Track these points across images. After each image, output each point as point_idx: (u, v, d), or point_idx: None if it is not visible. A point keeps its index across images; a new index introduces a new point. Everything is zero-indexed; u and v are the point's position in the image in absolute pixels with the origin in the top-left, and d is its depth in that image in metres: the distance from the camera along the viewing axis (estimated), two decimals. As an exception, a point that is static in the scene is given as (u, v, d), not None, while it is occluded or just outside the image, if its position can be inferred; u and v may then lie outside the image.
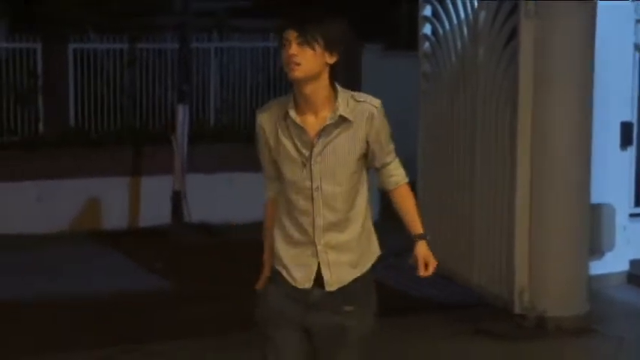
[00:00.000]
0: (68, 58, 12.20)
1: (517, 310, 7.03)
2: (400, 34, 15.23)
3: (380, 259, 4.21)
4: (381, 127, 3.92)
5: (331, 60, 3.76)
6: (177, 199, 11.54)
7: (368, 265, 4.01)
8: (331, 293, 3.90)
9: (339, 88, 3.84)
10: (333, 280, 3.90)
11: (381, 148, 3.95)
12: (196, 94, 12.68)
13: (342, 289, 3.92)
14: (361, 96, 3.90)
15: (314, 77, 3.75)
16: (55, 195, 11.57)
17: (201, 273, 9.56)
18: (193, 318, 7.79)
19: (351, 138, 3.84)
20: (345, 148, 3.84)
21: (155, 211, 11.61)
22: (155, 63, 12.67)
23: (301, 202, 3.84)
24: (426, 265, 4.07)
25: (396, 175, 4.08)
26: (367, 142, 3.88)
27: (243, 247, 10.89)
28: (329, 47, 3.75)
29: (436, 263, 4.05)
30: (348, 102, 3.83)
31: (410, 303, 8.37)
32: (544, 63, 6.88)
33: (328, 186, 3.84)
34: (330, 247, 3.89)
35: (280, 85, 13.27)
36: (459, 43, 7.84)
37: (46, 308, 7.95)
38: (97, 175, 11.67)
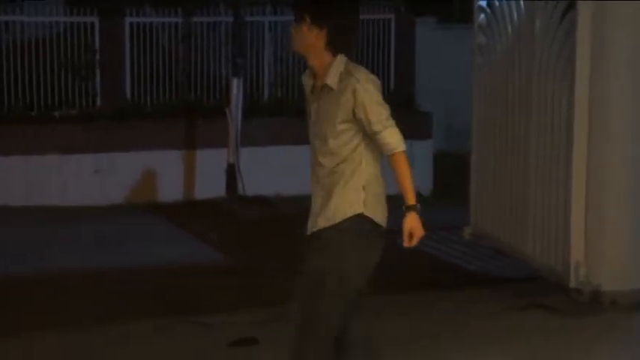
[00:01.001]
0: (124, 32, 12.31)
1: (572, 284, 6.98)
2: (454, 6, 15.11)
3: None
4: (365, 99, 4.15)
5: (321, 33, 4.14)
6: (232, 172, 11.63)
7: (338, 219, 4.19)
8: (309, 238, 4.31)
9: (339, 59, 4.19)
10: (310, 225, 4.32)
11: (367, 118, 4.16)
12: (250, 67, 12.72)
13: (314, 235, 4.26)
14: (356, 70, 4.20)
15: (309, 50, 4.22)
16: (111, 168, 11.74)
17: (254, 245, 9.63)
18: (246, 290, 7.87)
19: (334, 103, 4.17)
20: (329, 111, 4.20)
21: (210, 184, 11.71)
22: (210, 36, 12.73)
23: (311, 155, 4.35)
24: (411, 236, 4.26)
25: (389, 143, 4.21)
26: (354, 112, 4.17)
27: (296, 220, 10.97)
28: (316, 22, 4.14)
29: (422, 234, 4.26)
30: (340, 73, 4.17)
31: (464, 277, 8.37)
32: (601, 36, 6.79)
33: (318, 142, 4.28)
34: (317, 196, 4.31)
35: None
36: (515, 15, 7.76)
37: (102, 279, 8.08)
38: (152, 148, 11.80)
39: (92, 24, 12.16)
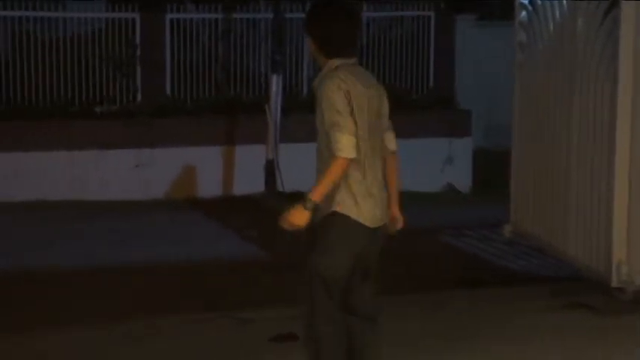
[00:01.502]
0: (165, 29, 12.37)
1: (614, 283, 6.92)
2: (494, 3, 15.03)
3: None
4: (321, 102, 4.35)
5: (314, 42, 4.49)
6: (271, 168, 11.66)
7: (326, 212, 4.39)
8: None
9: (329, 63, 4.44)
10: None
11: (323, 121, 4.35)
12: (289, 64, 12.74)
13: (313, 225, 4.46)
14: (328, 75, 4.40)
15: (313, 55, 4.60)
16: (151, 163, 11.82)
17: (292, 241, 9.63)
18: (285, 286, 7.88)
19: (318, 105, 4.40)
20: (317, 112, 4.42)
21: (248, 180, 11.75)
22: (249, 33, 12.77)
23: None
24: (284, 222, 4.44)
25: (334, 148, 4.28)
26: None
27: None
28: (308, 33, 4.55)
29: (289, 224, 4.41)
30: (323, 76, 4.45)
31: (504, 275, 8.34)
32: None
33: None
34: None
35: (372, 56, 13.25)
36: (557, 13, 7.70)
37: (141, 274, 8.14)
38: (192, 144, 11.87)
39: (133, 20, 12.24)
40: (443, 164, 13.13)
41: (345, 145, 4.24)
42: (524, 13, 8.27)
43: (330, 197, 4.35)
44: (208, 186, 11.94)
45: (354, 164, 4.32)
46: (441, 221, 10.63)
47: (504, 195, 8.54)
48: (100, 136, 11.68)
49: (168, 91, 12.41)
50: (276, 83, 11.67)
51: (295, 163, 11.97)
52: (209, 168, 11.95)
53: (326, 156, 4.36)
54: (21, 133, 11.38)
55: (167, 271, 8.24)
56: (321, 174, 4.33)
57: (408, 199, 13.28)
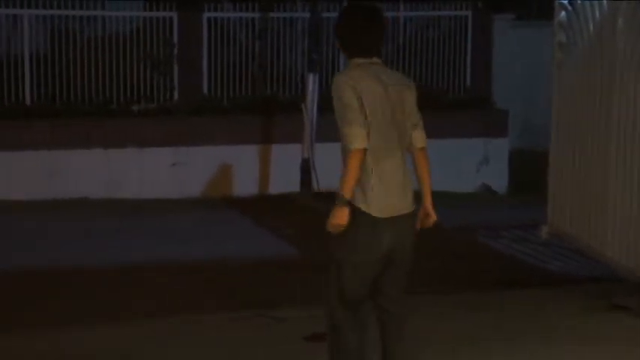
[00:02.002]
0: (202, 27, 12.42)
1: (652, 285, 6.85)
2: (532, 3, 14.94)
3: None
4: (333, 99, 4.50)
5: (338, 44, 4.70)
6: (307, 167, 11.67)
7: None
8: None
9: (351, 63, 4.58)
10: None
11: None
12: (326, 63, 12.74)
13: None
14: (340, 73, 4.62)
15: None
16: (188, 161, 11.88)
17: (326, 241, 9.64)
18: (320, 285, 7.87)
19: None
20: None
21: (285, 179, 11.78)
22: (286, 32, 12.79)
23: None
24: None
25: (346, 141, 4.44)
26: None
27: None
28: (335, 35, 4.72)
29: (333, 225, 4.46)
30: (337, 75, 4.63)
31: (541, 276, 8.28)
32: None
33: None
34: None
35: (409, 55, 13.21)
36: (597, 12, 7.63)
37: (177, 271, 8.18)
38: (228, 143, 11.91)
39: (171, 19, 12.30)
40: (479, 164, 13.07)
41: (355, 137, 4.35)
42: (563, 12, 8.21)
43: None
44: (244, 185, 11.97)
45: (367, 155, 4.41)
46: (476, 222, 10.58)
47: (541, 196, 8.49)
48: (137, 134, 11.76)
49: (205, 89, 12.46)
50: (312, 82, 11.68)
51: (331, 162, 11.94)
52: (245, 167, 11.99)
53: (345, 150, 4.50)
54: (60, 132, 11.47)
55: (203, 270, 8.26)
56: (344, 168, 4.42)
57: (444, 199, 13.23)
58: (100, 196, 11.38)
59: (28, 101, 11.68)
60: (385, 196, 4.47)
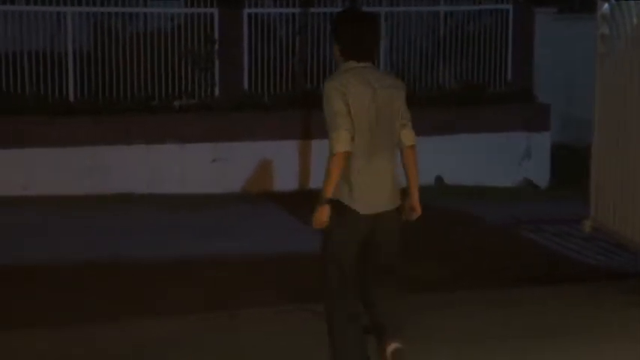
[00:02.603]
0: (243, 23, 12.47)
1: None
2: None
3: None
4: (323, 102, 4.78)
5: (337, 46, 4.92)
6: (347, 163, 11.67)
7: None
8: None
9: (343, 66, 4.85)
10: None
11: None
12: (366, 58, 12.72)
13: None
14: (331, 76, 4.88)
15: (336, 59, 4.97)
16: (228, 157, 11.93)
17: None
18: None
19: None
20: None
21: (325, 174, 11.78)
22: (326, 27, 12.79)
23: None
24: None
25: (330, 145, 4.70)
26: None
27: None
28: (334, 39, 4.94)
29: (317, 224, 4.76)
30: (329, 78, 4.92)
31: (583, 271, 8.23)
32: None
33: None
34: None
35: (449, 49, 13.17)
36: (640, 5, 7.57)
37: (219, 266, 8.24)
38: (269, 138, 11.95)
39: (212, 15, 12.35)
40: (520, 159, 13.00)
41: (339, 141, 4.64)
42: (606, 5, 8.14)
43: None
44: (284, 180, 12.01)
45: (352, 156, 4.68)
46: (518, 216, 10.53)
47: (583, 190, 8.44)
48: (178, 130, 11.84)
49: (245, 85, 12.51)
50: (352, 77, 11.67)
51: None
52: (285, 162, 12.02)
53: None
54: (102, 128, 11.59)
55: (245, 264, 8.32)
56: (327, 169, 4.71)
57: (486, 194, 13.27)
58: (141, 191, 11.48)
59: (71, 98, 11.81)
60: (370, 194, 4.75)
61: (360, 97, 4.71)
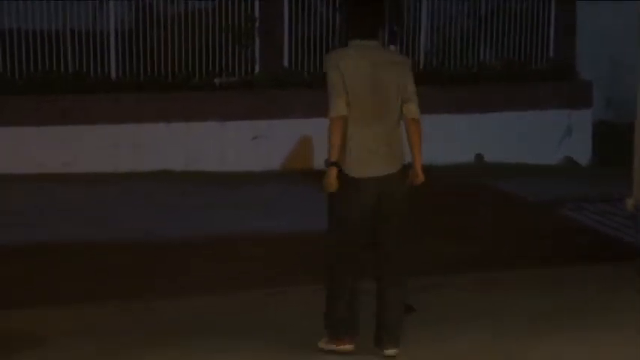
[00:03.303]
0: (283, 1, 12.44)
1: None
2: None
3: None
4: None
5: (344, 22, 5.40)
6: (386, 140, 11.64)
7: None
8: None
9: (350, 43, 5.30)
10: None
11: None
12: (406, 35, 12.68)
13: None
14: (331, 51, 5.42)
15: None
16: (268, 135, 11.96)
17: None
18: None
19: None
20: None
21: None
22: (367, 4, 12.73)
23: None
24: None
25: (328, 110, 5.23)
26: None
27: (450, 189, 10.95)
28: (340, 14, 5.50)
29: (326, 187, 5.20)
30: None
31: (624, 250, 8.17)
32: None
33: None
34: None
35: (491, 26, 13.07)
36: (685, -19, 7.46)
37: (261, 244, 8.28)
38: (308, 116, 11.93)
39: (253, -7, 12.36)
40: (562, 136, 12.90)
41: (334, 107, 5.12)
42: (650, -19, 8.03)
43: None
44: (324, 157, 11.98)
45: (349, 124, 5.13)
46: (560, 195, 10.46)
47: (626, 168, 8.35)
48: (218, 107, 11.88)
49: (285, 62, 12.51)
50: (393, 55, 11.62)
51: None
52: (325, 140, 11.97)
53: None
54: (144, 105, 11.66)
55: (286, 242, 8.35)
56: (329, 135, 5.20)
57: (527, 172, 13.19)
58: (182, 168, 11.56)
59: (113, 76, 11.89)
60: (365, 160, 5.15)
61: (354, 70, 5.12)
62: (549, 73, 13.05)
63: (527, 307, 6.27)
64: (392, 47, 11.64)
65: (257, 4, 12.36)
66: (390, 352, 5.33)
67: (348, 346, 5.37)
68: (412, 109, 5.23)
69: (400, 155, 5.26)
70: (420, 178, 5.35)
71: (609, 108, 13.63)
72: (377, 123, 5.15)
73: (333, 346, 5.40)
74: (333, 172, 5.12)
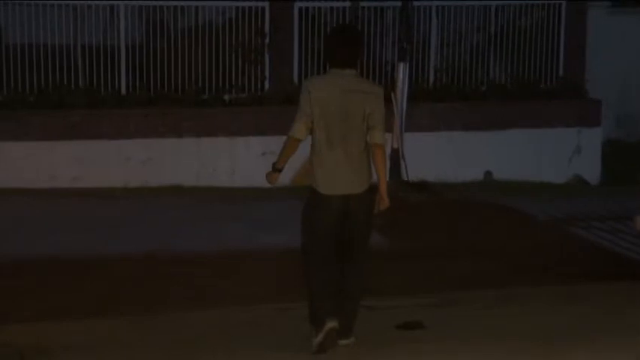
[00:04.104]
0: (294, 17, 12.47)
1: None
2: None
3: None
4: None
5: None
6: (396, 157, 11.66)
7: None
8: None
9: (328, 71, 5.70)
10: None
11: None
12: (416, 52, 12.70)
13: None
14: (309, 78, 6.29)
15: None
16: (278, 151, 11.94)
17: (419, 230, 9.65)
18: (411, 275, 7.91)
19: None
20: None
21: (373, 169, 11.76)
22: (377, 21, 12.79)
23: None
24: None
25: (290, 130, 5.73)
26: None
27: (460, 206, 10.95)
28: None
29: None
30: None
31: (632, 268, 8.16)
32: None
33: None
34: None
35: (501, 44, 13.09)
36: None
37: (271, 259, 8.28)
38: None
39: (263, 9, 12.37)
40: (571, 154, 12.90)
41: (293, 129, 5.63)
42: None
43: None
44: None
45: (319, 146, 5.60)
46: (569, 213, 10.45)
47: (635, 186, 8.34)
48: (228, 123, 11.90)
49: (295, 79, 12.54)
50: (402, 71, 11.65)
51: (420, 152, 11.96)
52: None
53: None
54: (154, 120, 11.69)
55: (289, 257, 8.33)
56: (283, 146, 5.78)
57: (536, 190, 13.16)
58: (192, 183, 11.58)
59: (123, 91, 11.93)
60: (330, 178, 5.58)
61: (324, 97, 5.53)
62: (559, 92, 13.06)
63: (542, 325, 6.25)
64: (401, 64, 11.74)
65: (267, 19, 12.39)
66: (344, 341, 5.73)
67: (330, 324, 5.64)
68: (376, 135, 5.59)
69: (366, 177, 5.63)
70: (385, 202, 5.71)
71: (619, 126, 13.62)
72: (343, 146, 5.54)
73: (321, 335, 5.65)
74: (276, 175, 5.87)
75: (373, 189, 5.65)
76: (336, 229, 5.65)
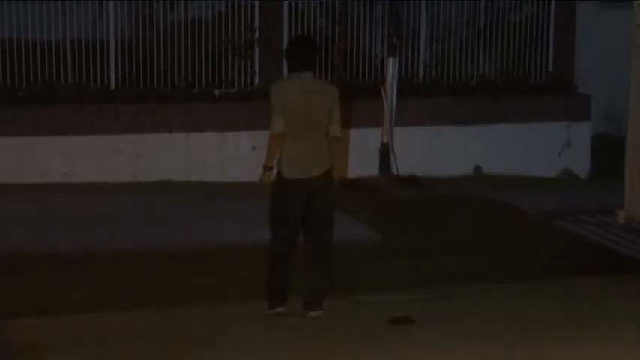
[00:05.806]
0: (283, 13, 12.48)
1: None
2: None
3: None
4: None
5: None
6: (385, 152, 11.69)
7: None
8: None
9: (289, 75, 6.47)
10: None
11: None
12: (406, 47, 12.72)
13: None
14: (275, 81, 6.68)
15: None
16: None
17: (408, 225, 9.68)
18: (401, 270, 7.93)
19: None
20: None
21: (363, 163, 11.80)
22: (366, 16, 12.79)
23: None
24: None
25: (270, 127, 6.35)
26: None
27: (450, 201, 10.98)
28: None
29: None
30: None
31: (618, 262, 8.20)
32: None
33: None
34: None
35: (490, 39, 13.12)
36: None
37: (259, 254, 8.27)
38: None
39: (252, 5, 12.38)
40: (561, 149, 12.94)
41: (274, 125, 6.25)
42: (646, -5, 8.08)
43: None
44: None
45: (286, 138, 6.25)
46: (558, 207, 10.49)
47: (622, 181, 8.39)
48: (218, 118, 11.90)
49: (285, 74, 12.48)
50: (392, 66, 11.68)
51: (410, 147, 11.99)
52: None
53: None
54: (143, 116, 11.69)
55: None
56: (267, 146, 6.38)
57: (526, 184, 13.19)
58: (182, 179, 11.58)
59: (113, 86, 11.92)
60: (296, 165, 6.28)
61: (293, 98, 6.24)
62: (548, 87, 13.10)
63: (531, 319, 6.28)
64: (391, 59, 11.76)
65: (257, 14, 12.39)
66: (313, 313, 6.37)
67: (279, 309, 6.46)
68: (335, 129, 6.41)
69: (326, 162, 6.39)
70: (335, 181, 6.54)
71: (608, 122, 13.67)
72: (307, 138, 6.29)
73: (270, 311, 6.43)
74: (269, 175, 6.38)
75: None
76: (300, 209, 6.33)
